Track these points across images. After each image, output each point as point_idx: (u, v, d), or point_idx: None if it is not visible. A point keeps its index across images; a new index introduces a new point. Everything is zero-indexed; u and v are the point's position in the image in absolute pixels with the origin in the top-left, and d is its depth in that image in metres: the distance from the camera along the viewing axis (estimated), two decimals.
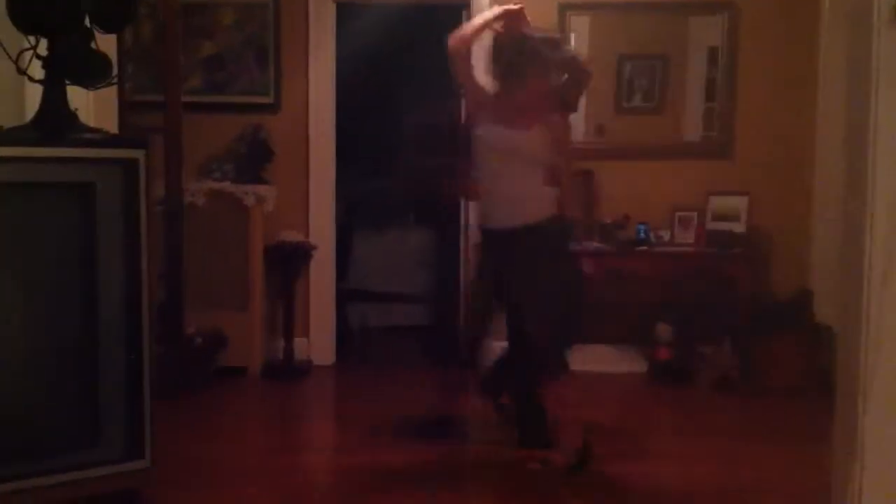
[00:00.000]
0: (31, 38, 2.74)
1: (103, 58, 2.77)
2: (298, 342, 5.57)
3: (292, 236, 5.52)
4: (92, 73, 2.77)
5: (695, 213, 5.52)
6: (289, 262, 5.50)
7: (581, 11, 5.63)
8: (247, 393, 5.14)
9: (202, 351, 5.07)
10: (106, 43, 2.90)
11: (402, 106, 7.72)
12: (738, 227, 5.42)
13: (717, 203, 5.51)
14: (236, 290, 5.31)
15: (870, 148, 2.59)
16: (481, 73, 4.16)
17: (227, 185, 5.36)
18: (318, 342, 5.72)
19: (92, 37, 2.76)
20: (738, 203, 5.45)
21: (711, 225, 5.47)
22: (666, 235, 5.51)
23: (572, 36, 5.62)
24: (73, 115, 2.74)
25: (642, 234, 5.42)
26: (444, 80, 6.17)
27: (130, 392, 2.66)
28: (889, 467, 2.60)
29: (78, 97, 2.92)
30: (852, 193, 2.74)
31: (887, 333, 2.58)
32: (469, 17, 5.62)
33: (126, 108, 4.60)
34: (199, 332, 5.08)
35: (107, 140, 2.69)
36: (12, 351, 2.56)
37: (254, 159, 5.44)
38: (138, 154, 2.61)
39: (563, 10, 5.60)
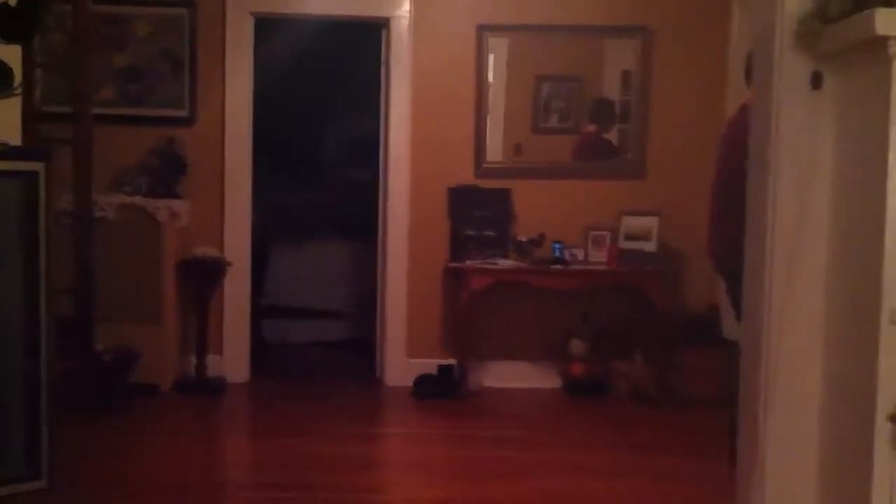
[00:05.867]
0: None
1: (5, 67, 2.70)
2: (212, 359, 5.48)
3: (207, 252, 5.44)
4: None
5: (608, 233, 5.61)
6: (203, 277, 5.42)
7: (499, 33, 5.69)
8: (158, 410, 5.04)
9: (112, 367, 4.95)
10: (9, 52, 2.83)
11: (322, 119, 7.72)
12: (650, 247, 5.52)
13: (630, 223, 5.60)
14: (148, 305, 5.21)
15: (771, 169, 2.68)
16: None
17: (138, 199, 5.26)
18: (233, 359, 5.64)
19: None
20: (650, 223, 5.55)
21: (624, 244, 5.56)
22: (580, 254, 5.58)
23: (491, 57, 5.69)
24: None
25: (557, 253, 5.48)
26: (363, 95, 6.24)
27: (30, 409, 2.58)
28: (789, 477, 2.67)
29: None
30: (753, 213, 2.83)
31: (787, 348, 2.67)
32: (388, 35, 5.66)
33: (35, 118, 4.48)
34: (110, 349, 4.96)
35: (3, 152, 2.61)
36: None
37: (167, 173, 5.36)
38: (38, 167, 2.55)
39: (482, 31, 5.64)
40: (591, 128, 5.84)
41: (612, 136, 5.86)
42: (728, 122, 4.49)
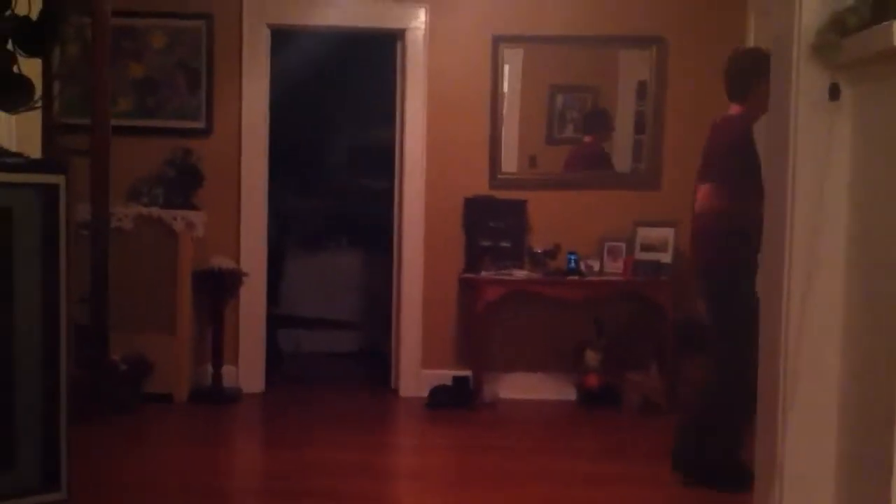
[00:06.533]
0: None
1: (26, 81, 2.72)
2: (227, 369, 5.50)
3: (223, 262, 5.46)
4: (13, 96, 2.72)
5: (623, 244, 5.60)
6: (218, 288, 5.43)
7: (514, 44, 5.70)
8: (172, 420, 5.05)
9: (127, 376, 4.97)
10: (30, 65, 2.86)
11: (336, 130, 7.75)
12: (665, 258, 5.50)
13: (645, 233, 5.59)
14: (163, 315, 5.22)
15: (788, 180, 2.67)
16: None
17: (155, 210, 5.28)
18: (248, 369, 5.65)
19: (14, 60, 2.71)
20: (666, 234, 5.53)
21: (640, 255, 5.54)
22: (595, 265, 5.57)
23: (506, 68, 5.69)
24: None
25: (573, 264, 5.47)
26: (377, 105, 6.25)
27: (47, 419, 2.59)
28: (807, 478, 2.66)
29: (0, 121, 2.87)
30: (772, 223, 2.81)
31: (805, 358, 2.65)
32: (404, 46, 5.68)
33: (53, 130, 4.52)
34: (124, 358, 4.98)
35: (24, 165, 2.63)
36: None
37: (184, 184, 5.39)
38: (58, 179, 2.57)
39: (497, 42, 5.66)
40: (588, 138, 5.83)
41: (612, 145, 5.86)
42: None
